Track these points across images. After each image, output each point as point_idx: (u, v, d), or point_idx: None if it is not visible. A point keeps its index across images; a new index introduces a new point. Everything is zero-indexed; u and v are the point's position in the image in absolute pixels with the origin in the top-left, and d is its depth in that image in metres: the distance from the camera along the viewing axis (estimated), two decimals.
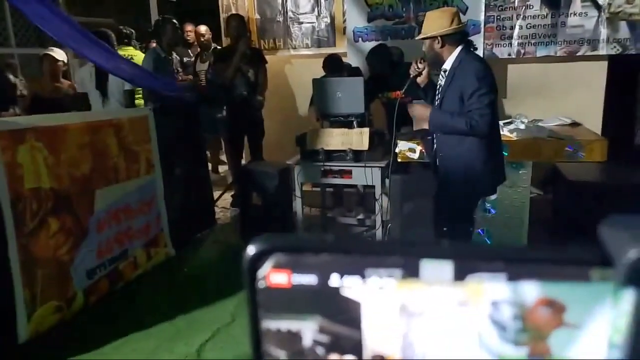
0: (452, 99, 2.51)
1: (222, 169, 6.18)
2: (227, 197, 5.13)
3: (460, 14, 4.41)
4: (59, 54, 4.28)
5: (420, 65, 2.67)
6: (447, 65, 2.56)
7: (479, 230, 3.36)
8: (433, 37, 2.54)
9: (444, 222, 2.80)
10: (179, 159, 4.03)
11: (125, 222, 3.41)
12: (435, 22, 2.54)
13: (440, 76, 2.64)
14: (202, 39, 5.43)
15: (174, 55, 4.74)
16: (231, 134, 4.89)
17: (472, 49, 2.60)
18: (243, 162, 5.01)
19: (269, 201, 3.94)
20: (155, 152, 3.70)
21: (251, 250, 0.34)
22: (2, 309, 2.56)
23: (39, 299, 2.70)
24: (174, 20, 4.51)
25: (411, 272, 0.31)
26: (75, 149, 2.99)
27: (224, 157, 6.04)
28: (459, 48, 2.53)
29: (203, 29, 5.46)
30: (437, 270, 0.30)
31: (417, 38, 2.74)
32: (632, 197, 3.15)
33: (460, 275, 0.30)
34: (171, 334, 2.84)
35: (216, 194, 4.84)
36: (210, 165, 5.51)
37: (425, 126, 2.65)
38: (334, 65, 4.19)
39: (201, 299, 3.20)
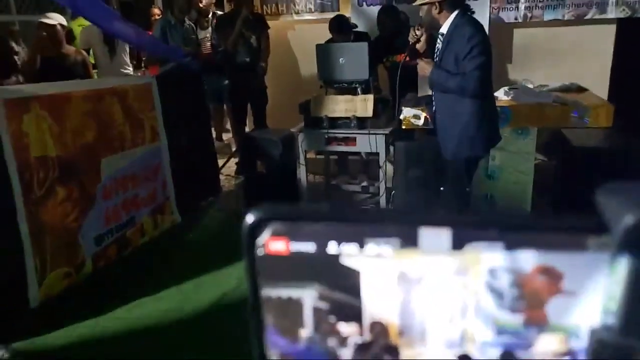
0: (448, 62, 2.63)
1: (226, 136, 6.17)
2: (232, 165, 5.14)
3: None
4: (54, 19, 4.19)
5: (418, 32, 2.79)
6: (444, 29, 2.65)
7: (484, 195, 3.37)
8: (431, 3, 2.62)
9: (443, 183, 2.88)
10: (184, 126, 4.02)
11: (131, 189, 3.44)
12: None
13: (438, 40, 2.72)
14: (201, 5, 5.33)
15: (187, 22, 4.67)
16: (235, 102, 4.86)
17: (469, 13, 2.66)
18: (247, 129, 5.01)
19: (273, 169, 3.96)
20: (160, 120, 3.70)
21: (250, 218, 0.34)
22: (14, 275, 2.62)
23: (49, 266, 2.76)
24: None
25: (409, 240, 0.31)
26: (80, 117, 2.99)
27: (227, 125, 6.03)
28: (455, 13, 2.61)
29: None
30: (435, 239, 0.31)
31: (414, 4, 2.80)
32: (637, 163, 3.15)
33: (458, 243, 0.31)
34: (179, 298, 2.91)
35: (220, 162, 4.85)
36: (214, 133, 5.50)
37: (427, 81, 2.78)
38: (341, 26, 4.12)
39: (207, 264, 3.26)
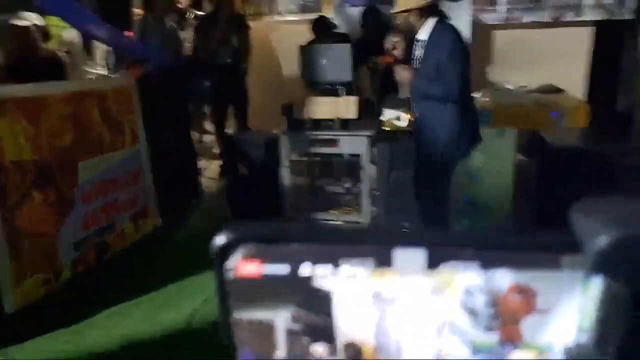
0: (428, 68, 2.65)
1: (207, 138, 6.12)
2: (214, 167, 5.10)
3: None
4: (28, 19, 4.09)
5: (394, 39, 2.86)
6: (423, 36, 2.68)
7: (465, 197, 3.40)
8: (409, 10, 2.64)
9: (422, 185, 2.90)
10: (165, 128, 3.98)
11: (111, 193, 3.38)
12: None
13: (416, 46, 2.75)
14: (180, 6, 5.27)
15: (169, 23, 4.61)
16: (215, 103, 4.83)
17: (446, 19, 2.68)
18: (228, 131, 4.97)
19: (256, 171, 3.94)
20: (140, 122, 3.65)
21: (220, 240, 0.33)
22: None
23: (26, 272, 2.70)
24: None
25: (384, 261, 0.31)
26: (57, 120, 2.93)
27: (209, 127, 5.98)
28: (434, 19, 2.65)
29: None
30: (410, 259, 0.31)
31: (392, 12, 2.81)
32: (613, 162, 3.21)
33: (433, 263, 0.30)
34: (161, 302, 2.87)
35: (202, 164, 4.81)
36: (195, 135, 5.45)
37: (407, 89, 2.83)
38: (322, 27, 4.12)
39: (189, 268, 3.21)
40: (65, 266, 2.97)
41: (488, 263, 0.30)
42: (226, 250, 0.33)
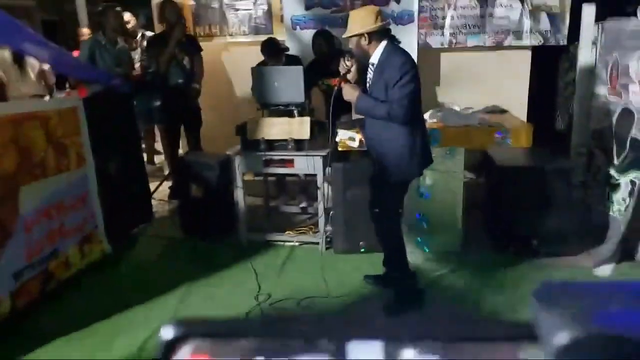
0: (379, 90, 2.68)
1: (158, 159, 5.99)
2: (165, 189, 4.99)
3: (395, 3, 4.55)
4: None
5: (348, 63, 2.83)
6: (375, 59, 2.72)
7: (416, 214, 3.48)
8: (360, 35, 2.68)
9: (376, 205, 2.93)
10: (113, 150, 3.87)
11: (56, 219, 3.23)
12: (361, 21, 2.70)
13: (369, 70, 2.78)
14: (128, 27, 5.20)
15: (121, 42, 4.53)
16: (167, 124, 4.75)
17: (396, 43, 2.74)
18: (180, 152, 4.89)
19: (209, 192, 3.88)
20: (86, 144, 3.53)
21: (166, 334, 0.31)
22: None
23: None
24: (118, 8, 4.39)
25: (339, 354, 0.30)
26: None
27: (159, 147, 5.86)
28: (384, 42, 2.70)
29: (127, 16, 5.23)
30: (366, 352, 0.30)
31: (344, 36, 2.85)
32: (554, 179, 3.39)
33: (390, 355, 0.30)
34: (111, 332, 2.76)
35: (152, 186, 4.69)
36: (145, 156, 5.33)
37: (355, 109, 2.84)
38: (272, 49, 4.16)
39: (141, 296, 3.11)
40: (3, 299, 2.80)
41: (447, 354, 0.30)
42: (172, 346, 0.31)
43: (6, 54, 4.61)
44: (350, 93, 2.76)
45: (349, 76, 2.85)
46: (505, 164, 3.52)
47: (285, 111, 3.71)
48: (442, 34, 4.60)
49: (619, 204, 3.54)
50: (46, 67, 4.54)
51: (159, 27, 4.87)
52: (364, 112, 2.80)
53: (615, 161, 3.60)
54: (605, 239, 3.46)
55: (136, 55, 5.10)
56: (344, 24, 4.54)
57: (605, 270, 3.26)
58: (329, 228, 3.70)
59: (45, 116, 3.19)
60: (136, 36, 5.27)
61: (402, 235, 2.96)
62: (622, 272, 3.23)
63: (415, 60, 2.92)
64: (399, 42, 2.78)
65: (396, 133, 2.69)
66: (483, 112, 3.92)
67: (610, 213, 3.61)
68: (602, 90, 3.84)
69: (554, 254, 3.41)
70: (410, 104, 2.61)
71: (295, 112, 3.67)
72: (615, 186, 3.59)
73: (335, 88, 2.91)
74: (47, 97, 4.82)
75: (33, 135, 3.07)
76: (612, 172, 3.63)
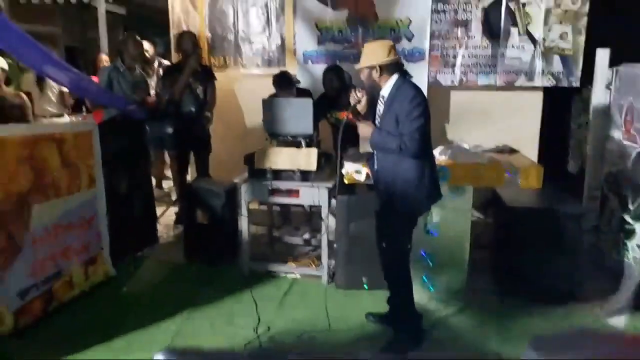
0: (389, 123, 2.71)
1: (166, 184, 6.04)
2: (171, 214, 5.00)
3: (406, 41, 4.62)
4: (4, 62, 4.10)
5: (359, 94, 2.87)
6: (385, 92, 2.76)
7: (422, 251, 3.43)
8: (372, 67, 2.72)
9: (384, 239, 2.90)
10: (123, 174, 3.92)
11: (63, 239, 3.26)
12: (374, 53, 2.75)
13: (379, 102, 2.81)
14: (147, 55, 5.35)
15: (138, 70, 4.66)
16: (177, 150, 4.81)
17: (407, 77, 2.78)
18: (188, 178, 4.93)
19: (215, 219, 3.88)
20: (98, 167, 3.58)
21: None
22: None
23: None
24: (137, 37, 4.55)
25: None
26: (13, 163, 2.86)
27: (168, 173, 5.92)
28: (395, 76, 2.74)
29: (146, 44, 5.38)
30: None
31: (356, 67, 2.88)
32: (566, 222, 3.33)
33: None
34: (109, 355, 2.73)
35: (159, 210, 4.72)
36: (154, 181, 5.38)
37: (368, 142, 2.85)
38: (284, 82, 4.23)
39: (141, 320, 3.10)
40: (6, 316, 2.80)
41: None
42: None
43: (30, 75, 4.84)
44: (364, 129, 2.80)
45: (358, 107, 2.88)
46: (515, 205, 3.47)
47: (293, 142, 3.73)
48: (453, 72, 4.64)
49: (634, 251, 3.45)
50: (65, 89, 4.72)
51: (175, 56, 4.99)
52: (377, 145, 2.81)
53: (630, 206, 3.54)
54: (619, 287, 3.35)
55: (152, 82, 5.22)
56: (355, 59, 4.62)
57: (619, 320, 3.15)
58: (332, 262, 3.66)
59: (61, 138, 3.27)
60: (153, 64, 5.41)
61: (409, 273, 2.90)
62: (637, 322, 3.11)
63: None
64: (411, 77, 2.81)
65: (406, 165, 2.70)
66: (493, 151, 3.89)
67: (625, 260, 3.52)
68: (616, 133, 3.82)
69: (564, 301, 3.32)
70: (421, 138, 2.62)
71: (303, 143, 3.69)
72: (630, 232, 3.51)
73: (344, 120, 2.93)
74: (65, 117, 5.00)
75: (48, 156, 3.14)
76: (627, 217, 3.56)
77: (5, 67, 4.23)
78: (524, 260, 3.35)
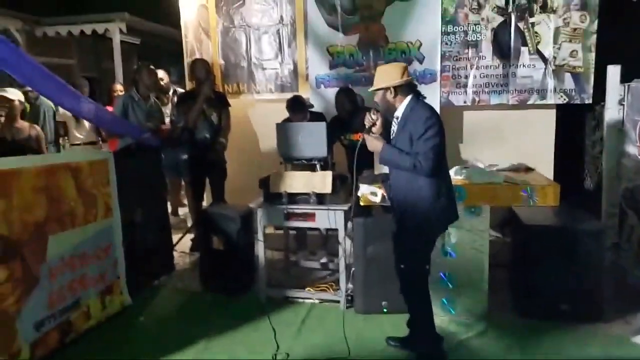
0: (403, 143, 2.72)
1: (182, 211, 6.07)
2: (187, 241, 5.01)
3: (417, 63, 4.66)
4: (12, 94, 4.18)
5: (373, 116, 2.87)
6: (399, 113, 2.78)
7: (441, 273, 3.39)
8: (386, 89, 2.76)
9: (402, 261, 2.87)
10: (139, 202, 3.94)
11: (79, 269, 3.26)
12: (387, 75, 2.78)
13: (393, 123, 2.84)
14: (162, 83, 5.45)
15: (152, 99, 4.75)
16: (193, 176, 4.84)
17: (421, 98, 2.80)
18: (204, 204, 4.95)
19: (231, 245, 3.88)
20: (114, 195, 3.61)
21: None
22: None
23: None
24: (152, 67, 4.66)
25: None
26: (30, 194, 2.88)
27: (184, 199, 5.94)
28: (409, 97, 2.76)
29: (160, 73, 5.49)
30: None
31: (370, 90, 2.92)
32: (585, 240, 3.28)
33: None
34: None
35: (175, 238, 4.73)
36: (169, 208, 5.41)
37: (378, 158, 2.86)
38: (297, 105, 4.27)
39: (158, 350, 3.07)
40: (23, 348, 2.79)
41: None
42: None
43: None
44: (374, 143, 2.80)
45: (374, 129, 2.89)
46: (533, 223, 3.43)
47: (308, 165, 3.74)
48: (465, 92, 4.65)
49: None
50: None
51: (189, 84, 5.07)
52: (388, 162, 2.82)
53: None
54: None
55: (167, 110, 5.30)
56: (366, 82, 4.69)
57: None
58: (350, 286, 3.63)
59: (77, 167, 3.30)
60: (168, 92, 5.50)
61: (429, 295, 2.87)
62: None
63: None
64: (425, 97, 2.83)
65: (422, 184, 2.70)
66: (508, 170, 3.87)
67: None
68: (631, 149, 3.79)
69: (586, 320, 3.25)
70: (436, 157, 2.63)
71: (318, 166, 3.70)
72: None
73: (359, 142, 2.93)
74: (100, 144, 5.21)
75: (64, 186, 3.16)
76: None
77: (23, 99, 4.33)
78: (545, 280, 3.30)
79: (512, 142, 4.62)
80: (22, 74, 3.33)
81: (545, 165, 4.28)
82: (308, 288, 3.87)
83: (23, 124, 4.26)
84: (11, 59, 3.15)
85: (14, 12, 6.64)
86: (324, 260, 4.39)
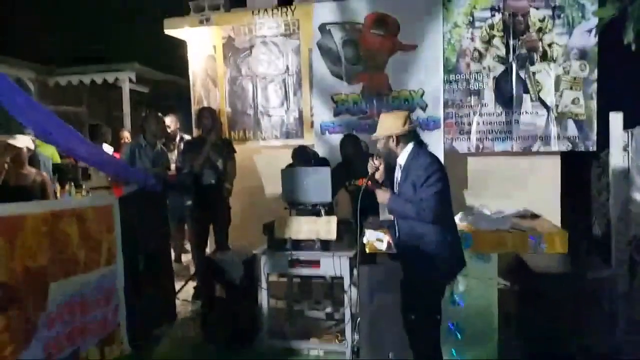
0: (407, 190, 2.76)
1: (185, 257, 6.01)
2: (189, 289, 4.93)
3: (420, 110, 4.72)
4: (21, 141, 4.24)
5: (376, 162, 2.93)
6: (402, 160, 2.83)
7: (449, 323, 3.30)
8: (388, 136, 2.81)
9: (411, 311, 2.82)
10: (143, 248, 3.90)
11: (79, 317, 3.18)
12: (390, 123, 2.85)
13: (396, 170, 2.88)
14: (169, 130, 5.53)
15: (159, 145, 4.82)
16: (196, 223, 4.83)
17: (423, 146, 2.85)
18: (207, 250, 4.90)
19: (233, 293, 3.81)
20: (118, 241, 3.57)
21: None
22: None
23: None
24: (159, 114, 4.76)
25: None
26: (33, 240, 2.85)
27: (188, 246, 5.90)
28: (411, 145, 2.82)
29: (169, 119, 5.58)
30: None
31: (373, 137, 2.99)
32: (596, 288, 3.21)
33: None
34: None
35: (178, 285, 4.66)
36: (173, 254, 5.36)
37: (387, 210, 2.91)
38: (303, 155, 4.30)
39: None
40: None
41: None
42: None
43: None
44: (382, 196, 2.85)
45: (376, 175, 2.94)
46: (542, 271, 3.38)
47: (312, 211, 3.73)
48: (469, 139, 4.68)
49: None
50: None
51: (196, 131, 5.14)
52: (395, 211, 2.86)
53: None
54: None
55: (173, 156, 5.34)
56: (370, 129, 4.73)
57: None
58: (356, 337, 3.52)
59: (82, 213, 3.29)
60: (175, 138, 5.56)
61: (440, 347, 2.79)
62: None
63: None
64: (427, 145, 2.87)
65: (427, 231, 2.71)
66: (515, 216, 3.84)
67: None
68: (638, 196, 3.76)
69: None
70: (438, 204, 2.65)
71: (323, 211, 3.69)
72: None
73: (363, 187, 2.94)
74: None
75: (68, 232, 3.14)
76: None
77: (31, 146, 4.38)
78: (556, 329, 3.21)
79: (517, 188, 4.61)
80: (31, 121, 3.37)
81: (551, 212, 4.24)
82: (312, 338, 3.76)
83: (30, 170, 4.29)
84: (23, 107, 3.20)
85: (28, 63, 6.85)
86: (329, 309, 4.30)
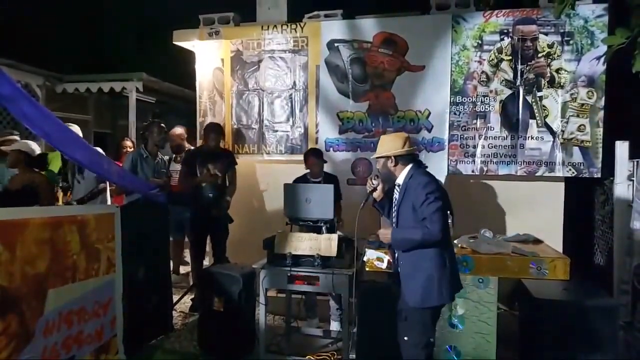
0: (406, 210, 2.77)
1: (184, 269, 5.98)
2: (187, 301, 4.90)
3: (426, 131, 4.73)
4: (27, 146, 4.26)
5: (374, 182, 2.97)
6: (400, 180, 2.85)
7: (447, 346, 3.26)
8: (387, 157, 2.84)
9: (404, 333, 2.81)
10: (142, 258, 3.89)
11: (76, 325, 3.17)
12: (390, 144, 2.88)
13: (395, 190, 2.90)
14: (180, 140, 5.55)
15: (160, 155, 4.82)
16: (195, 234, 4.82)
17: (422, 167, 2.88)
18: (206, 263, 4.88)
19: (231, 307, 3.77)
20: (118, 251, 3.57)
21: None
22: None
23: None
24: (162, 124, 4.75)
25: None
26: (33, 245, 2.85)
27: (187, 257, 5.88)
28: (410, 166, 2.84)
29: (178, 130, 5.60)
30: None
31: (372, 157, 3.02)
32: (598, 317, 3.17)
33: None
34: None
35: (175, 297, 4.63)
36: (171, 265, 5.33)
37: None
38: (318, 152, 4.42)
39: None
40: None
41: None
42: None
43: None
44: (384, 235, 2.86)
45: (374, 194, 2.96)
46: (543, 297, 3.34)
47: (314, 227, 3.72)
48: (473, 162, 4.68)
49: None
50: None
51: (201, 143, 5.15)
52: (401, 242, 2.83)
53: None
54: None
55: (177, 166, 5.34)
56: (375, 147, 4.74)
57: None
58: (352, 355, 3.49)
59: (84, 221, 3.29)
60: (183, 151, 5.53)
61: None
62: None
63: (445, 185, 2.96)
64: (426, 166, 2.89)
65: (427, 257, 2.70)
66: (516, 241, 3.82)
67: None
68: None
69: None
70: (441, 219, 2.65)
71: (324, 228, 3.68)
72: None
73: (361, 207, 2.94)
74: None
75: (69, 239, 3.14)
76: None
77: (38, 150, 4.39)
78: (555, 356, 3.16)
79: (520, 213, 4.59)
80: (38, 127, 3.38)
81: (553, 238, 4.22)
82: (309, 356, 3.72)
83: (34, 176, 4.29)
84: (32, 114, 3.21)
85: (37, 69, 6.90)
86: (327, 327, 4.25)
